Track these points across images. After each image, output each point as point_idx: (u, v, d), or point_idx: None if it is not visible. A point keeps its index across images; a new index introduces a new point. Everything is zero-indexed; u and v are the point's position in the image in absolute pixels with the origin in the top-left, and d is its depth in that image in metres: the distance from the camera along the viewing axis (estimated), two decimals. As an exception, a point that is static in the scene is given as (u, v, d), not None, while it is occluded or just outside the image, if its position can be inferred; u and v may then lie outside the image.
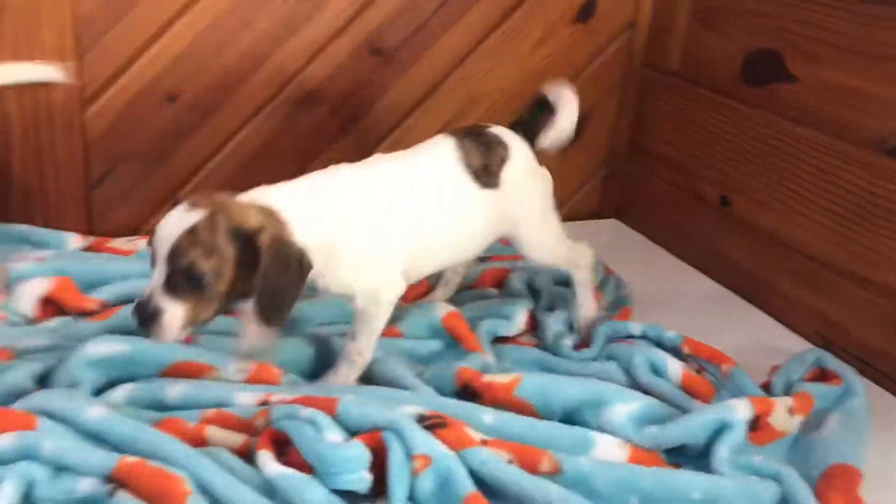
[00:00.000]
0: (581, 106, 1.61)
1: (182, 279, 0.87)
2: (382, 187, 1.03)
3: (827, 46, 1.26)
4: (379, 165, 1.06)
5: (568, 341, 1.18)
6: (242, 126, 1.45)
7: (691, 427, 0.96)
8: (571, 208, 1.72)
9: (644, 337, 1.18)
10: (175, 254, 0.86)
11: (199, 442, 0.91)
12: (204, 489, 0.83)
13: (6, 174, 1.34)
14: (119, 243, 1.35)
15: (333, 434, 0.89)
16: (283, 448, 0.90)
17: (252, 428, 0.94)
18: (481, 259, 1.40)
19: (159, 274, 0.87)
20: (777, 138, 1.35)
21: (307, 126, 1.49)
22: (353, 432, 0.91)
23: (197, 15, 1.35)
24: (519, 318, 1.22)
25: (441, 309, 1.19)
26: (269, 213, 0.92)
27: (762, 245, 1.38)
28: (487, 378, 1.04)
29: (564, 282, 1.32)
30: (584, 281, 1.21)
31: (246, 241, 0.88)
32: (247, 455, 0.91)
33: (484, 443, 0.92)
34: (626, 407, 0.99)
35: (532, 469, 0.90)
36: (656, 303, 1.35)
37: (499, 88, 1.57)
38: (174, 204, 0.92)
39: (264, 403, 0.96)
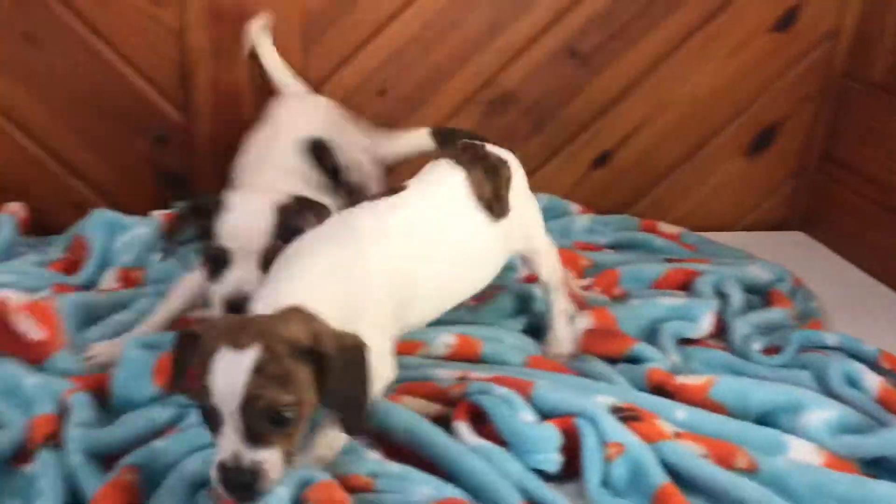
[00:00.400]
0: (773, 115, 1.60)
1: (265, 423, 0.75)
2: (400, 243, 0.93)
3: None
4: (394, 216, 0.94)
5: (757, 345, 1.16)
6: (443, 122, 1.51)
7: (893, 440, 0.93)
8: (756, 218, 1.68)
9: (839, 349, 1.14)
10: (250, 403, 0.74)
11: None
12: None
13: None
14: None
15: (527, 414, 0.93)
16: (477, 423, 0.94)
17: (446, 397, 0.98)
18: (667, 259, 1.41)
19: (234, 430, 0.75)
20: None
21: (501, 125, 1.54)
22: (545, 416, 0.94)
23: (411, 16, 1.43)
24: (705, 319, 1.21)
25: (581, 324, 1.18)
26: (307, 317, 0.81)
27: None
28: (680, 379, 1.04)
29: (753, 288, 1.31)
30: (565, 310, 1.13)
31: (312, 357, 0.77)
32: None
33: (677, 436, 0.93)
34: (823, 414, 0.97)
35: (726, 465, 0.90)
36: (842, 317, 1.31)
37: (690, 95, 1.56)
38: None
39: (462, 379, 1.01)
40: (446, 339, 1.10)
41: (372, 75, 1.46)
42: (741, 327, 1.20)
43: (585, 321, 1.17)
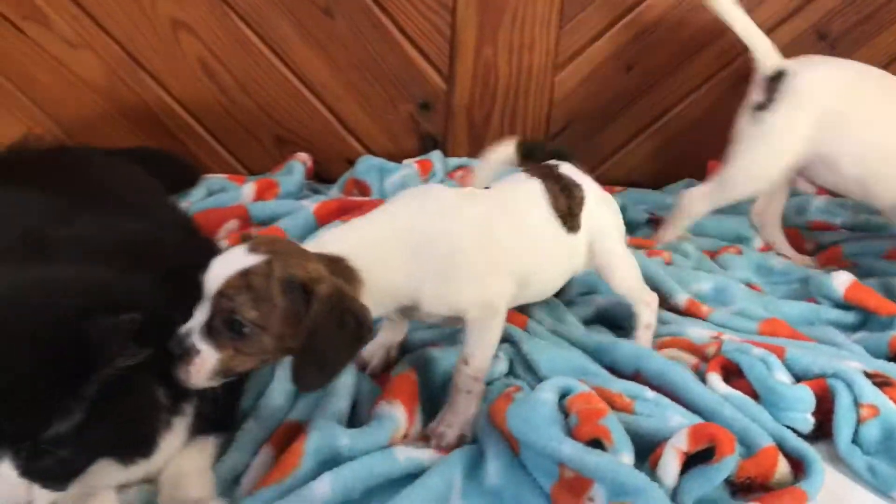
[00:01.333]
0: None
1: (223, 324, 0.74)
2: (486, 204, 0.92)
3: None
4: (473, 194, 0.94)
5: None
6: (685, 96, 1.53)
7: None
8: None
9: None
10: (221, 296, 0.74)
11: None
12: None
13: (488, 122, 1.55)
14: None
15: (782, 374, 0.94)
16: (728, 378, 0.96)
17: (701, 353, 1.02)
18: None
19: (202, 313, 0.75)
20: None
21: (740, 103, 1.53)
22: (798, 379, 0.95)
23: (661, -2, 1.46)
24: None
25: (840, 280, 1.17)
26: (335, 263, 0.79)
27: None
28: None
29: None
30: (648, 323, 1.06)
31: (301, 294, 0.75)
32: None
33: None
34: None
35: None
36: None
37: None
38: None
39: (716, 338, 1.05)
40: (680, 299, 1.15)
41: (620, 52, 1.50)
42: None
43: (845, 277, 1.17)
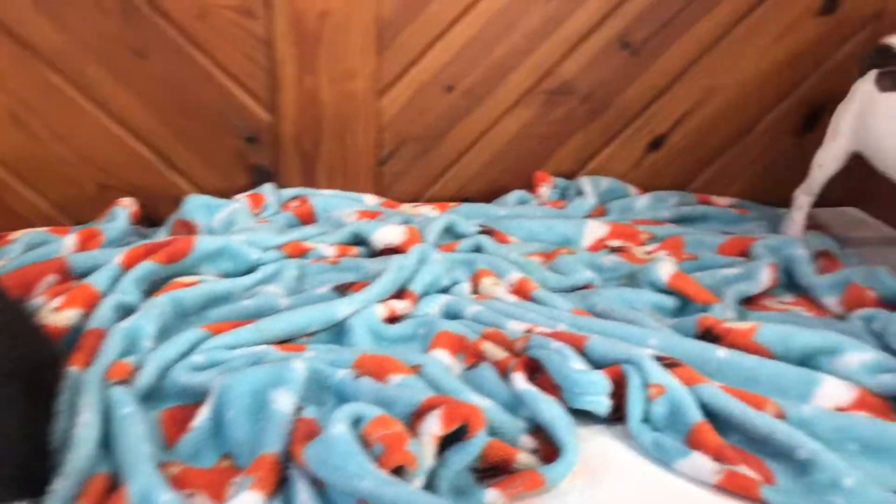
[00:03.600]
0: (821, 95, 1.65)
1: None
2: None
3: None
4: None
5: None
6: (505, 113, 1.62)
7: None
8: (810, 195, 1.73)
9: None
10: None
11: (477, 353, 1.09)
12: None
13: (317, 150, 1.60)
14: (405, 207, 1.58)
15: (578, 363, 1.02)
16: (536, 374, 1.03)
17: (513, 349, 1.09)
18: (724, 232, 1.50)
19: None
20: None
21: (560, 114, 1.63)
22: (597, 366, 1.03)
23: (475, 16, 1.54)
24: (763, 273, 1.29)
25: (665, 269, 1.28)
26: None
27: None
28: (728, 324, 1.13)
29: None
30: None
31: None
32: (504, 371, 1.05)
33: (713, 386, 1.01)
34: (861, 356, 1.04)
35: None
36: None
37: (738, 80, 1.63)
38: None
39: (528, 331, 1.12)
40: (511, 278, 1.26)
41: (440, 73, 1.57)
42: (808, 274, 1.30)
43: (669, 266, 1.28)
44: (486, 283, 1.29)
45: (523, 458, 0.90)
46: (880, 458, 0.93)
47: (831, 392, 1.01)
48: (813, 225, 1.53)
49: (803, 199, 1.50)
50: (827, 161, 1.43)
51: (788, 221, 1.50)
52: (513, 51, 1.57)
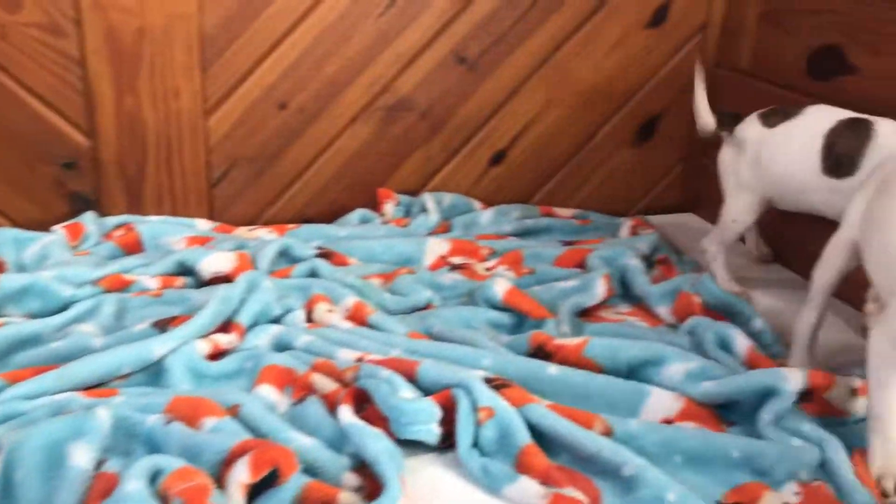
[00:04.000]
0: (657, 105, 1.69)
1: None
2: None
3: (886, 37, 1.27)
4: None
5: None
6: (343, 130, 1.57)
7: (741, 385, 1.01)
8: (649, 203, 1.78)
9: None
10: None
11: (306, 386, 1.04)
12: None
13: (142, 174, 1.51)
14: (241, 232, 1.51)
15: (407, 392, 0.99)
16: (365, 405, 1.00)
17: (343, 379, 1.05)
18: (564, 242, 1.51)
19: None
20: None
21: (399, 130, 1.60)
22: (428, 392, 1.01)
23: (304, 31, 1.49)
24: (597, 285, 1.30)
25: (500, 286, 1.28)
26: None
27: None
28: (559, 340, 1.13)
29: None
30: None
31: None
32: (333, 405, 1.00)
33: (544, 406, 1.00)
34: (684, 365, 1.06)
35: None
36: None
37: (574, 92, 1.65)
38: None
39: (360, 360, 1.08)
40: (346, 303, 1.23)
41: (270, 91, 1.52)
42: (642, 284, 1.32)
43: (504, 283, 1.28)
44: (321, 309, 1.24)
45: (345, 497, 0.86)
46: (703, 470, 0.94)
47: (658, 404, 1.02)
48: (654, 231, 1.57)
49: (715, 249, 1.40)
50: (741, 216, 1.36)
51: (716, 277, 1.37)
52: (346, 66, 1.53)
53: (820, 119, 1.25)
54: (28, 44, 1.38)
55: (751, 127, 1.34)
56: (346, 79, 1.54)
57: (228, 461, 0.84)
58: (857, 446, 0.95)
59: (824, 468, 0.93)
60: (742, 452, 0.94)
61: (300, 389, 1.05)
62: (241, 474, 0.81)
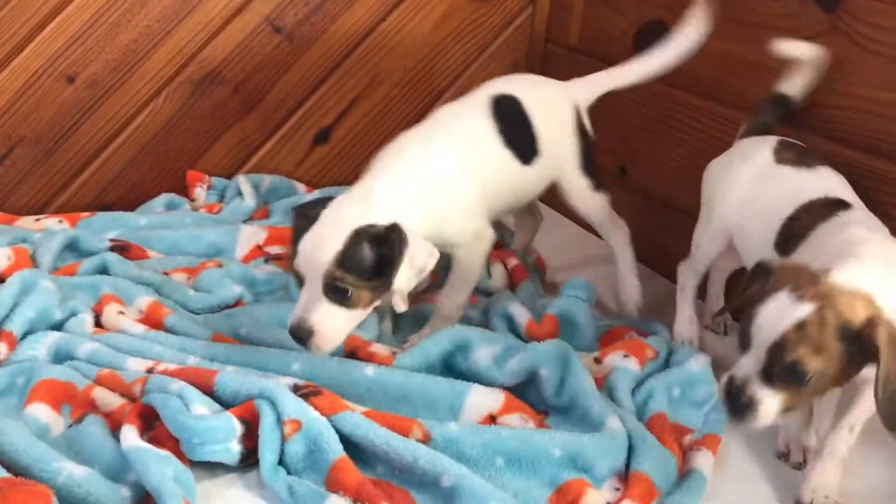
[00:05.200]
0: (487, 80, 1.63)
1: (784, 373, 0.80)
2: None
3: (711, 17, 1.26)
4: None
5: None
6: (143, 106, 1.42)
7: (536, 356, 1.00)
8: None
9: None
10: (780, 348, 0.79)
11: (87, 403, 0.92)
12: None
13: None
14: (25, 222, 1.33)
15: (201, 407, 0.88)
16: (154, 422, 0.89)
17: (131, 393, 0.93)
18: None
19: (756, 361, 0.81)
20: (669, 107, 1.36)
21: (210, 105, 1.46)
22: (228, 404, 0.90)
23: (90, -6, 1.32)
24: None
25: None
26: (874, 309, 0.80)
27: (657, 212, 1.40)
28: (374, 348, 1.05)
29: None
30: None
31: (855, 339, 0.79)
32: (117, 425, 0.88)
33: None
34: (489, 349, 1.03)
35: (403, 436, 0.89)
36: (564, 269, 1.38)
37: (402, 67, 1.56)
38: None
39: (150, 371, 0.95)
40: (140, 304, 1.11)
41: (55, 61, 1.34)
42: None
43: None
44: (111, 311, 1.10)
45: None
46: (526, 472, 0.89)
47: (480, 399, 0.96)
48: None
49: (684, 279, 1.19)
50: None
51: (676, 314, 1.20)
52: (145, 35, 1.38)
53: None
54: None
55: (762, 147, 1.09)
56: (144, 48, 1.39)
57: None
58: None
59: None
60: (563, 450, 0.89)
61: (80, 407, 0.93)
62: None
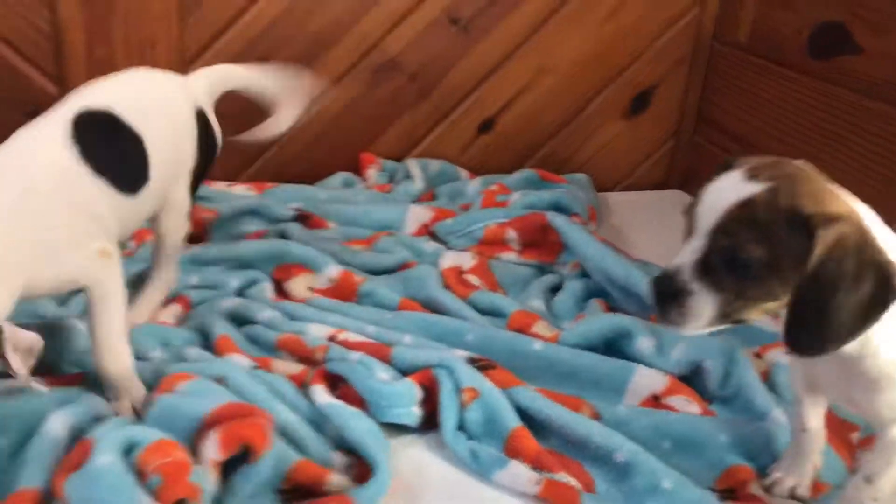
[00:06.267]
0: (649, 78, 1.64)
1: (723, 262, 0.66)
2: None
3: (894, 17, 1.23)
4: None
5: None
6: (327, 90, 1.50)
7: (701, 349, 1.01)
8: (638, 178, 1.73)
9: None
10: (721, 229, 0.65)
11: (266, 367, 0.98)
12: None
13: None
14: (219, 186, 1.44)
15: (383, 373, 0.94)
16: (337, 383, 0.94)
17: (311, 358, 0.99)
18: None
19: (695, 249, 0.67)
20: (842, 110, 1.33)
21: (386, 92, 1.54)
22: (405, 373, 0.96)
23: (287, -16, 1.41)
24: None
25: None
26: (851, 211, 0.66)
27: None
28: (537, 327, 1.08)
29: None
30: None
31: (805, 231, 0.64)
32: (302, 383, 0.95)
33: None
34: (650, 339, 1.04)
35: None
36: None
37: (568, 60, 1.59)
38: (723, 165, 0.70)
39: (332, 338, 1.02)
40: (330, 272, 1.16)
41: (252, 45, 1.44)
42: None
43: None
44: (298, 284, 1.17)
45: (335, 479, 0.81)
46: (693, 455, 0.90)
47: (645, 380, 0.99)
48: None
49: None
50: None
51: None
52: (333, 23, 1.46)
53: None
54: (-5, -16, 1.30)
55: None
56: (331, 36, 1.47)
57: (202, 431, 0.79)
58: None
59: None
60: (729, 436, 0.90)
61: (262, 366, 1.00)
62: (211, 451, 0.76)
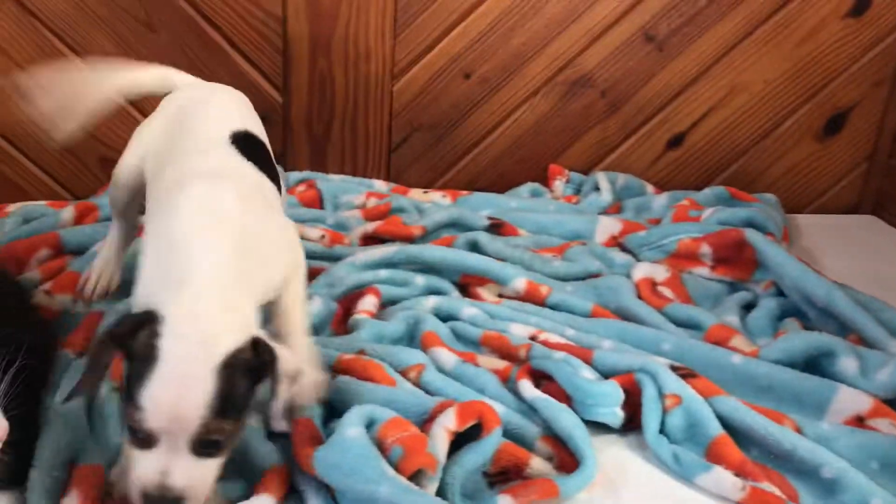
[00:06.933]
0: (845, 99, 1.60)
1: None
2: None
3: None
4: None
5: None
6: (522, 103, 1.57)
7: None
8: (828, 201, 1.69)
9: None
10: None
11: (472, 362, 1.02)
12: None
13: (328, 134, 1.55)
14: (415, 193, 1.53)
15: (588, 373, 0.98)
16: (540, 381, 0.98)
17: (515, 356, 1.04)
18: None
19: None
20: None
21: (579, 106, 1.58)
22: (606, 376, 0.98)
23: (494, 2, 1.49)
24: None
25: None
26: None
27: None
28: (735, 341, 1.09)
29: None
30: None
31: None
32: (506, 378, 1.00)
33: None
34: (853, 360, 1.02)
35: (778, 424, 0.93)
36: None
37: (762, 80, 1.58)
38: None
39: (533, 338, 1.07)
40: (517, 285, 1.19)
41: (456, 60, 1.52)
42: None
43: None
44: (489, 288, 1.22)
45: (537, 464, 0.86)
46: (901, 478, 0.89)
47: (847, 401, 0.97)
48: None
49: None
50: None
51: None
52: (533, 39, 1.52)
53: None
54: (235, 1, 1.44)
55: None
56: (531, 51, 1.53)
57: (430, 418, 0.86)
58: None
59: None
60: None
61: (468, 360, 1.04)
62: (449, 421, 0.82)
